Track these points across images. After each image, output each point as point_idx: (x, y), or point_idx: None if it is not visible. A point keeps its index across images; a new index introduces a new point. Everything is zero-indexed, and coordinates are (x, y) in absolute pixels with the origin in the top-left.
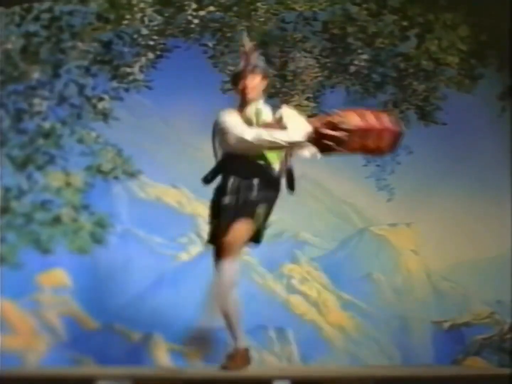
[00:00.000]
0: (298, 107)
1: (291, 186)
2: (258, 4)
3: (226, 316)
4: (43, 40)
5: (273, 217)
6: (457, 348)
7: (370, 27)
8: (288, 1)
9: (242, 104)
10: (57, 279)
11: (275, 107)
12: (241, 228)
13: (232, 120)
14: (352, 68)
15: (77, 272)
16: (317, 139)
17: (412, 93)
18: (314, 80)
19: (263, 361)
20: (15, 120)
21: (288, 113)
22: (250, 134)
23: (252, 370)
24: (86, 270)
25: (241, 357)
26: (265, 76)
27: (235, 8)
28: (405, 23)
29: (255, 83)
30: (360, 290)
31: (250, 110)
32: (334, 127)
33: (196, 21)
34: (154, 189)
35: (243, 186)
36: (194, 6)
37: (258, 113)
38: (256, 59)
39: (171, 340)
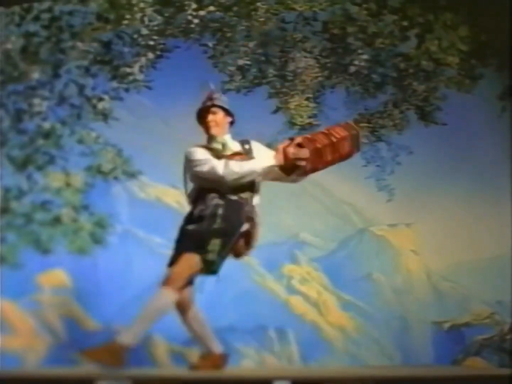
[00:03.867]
0: (298, 107)
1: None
2: (258, 4)
3: (191, 331)
4: (43, 40)
5: (273, 218)
6: (457, 348)
7: (370, 27)
8: (288, 1)
9: (208, 140)
10: (57, 279)
11: (243, 141)
12: (189, 261)
13: (201, 155)
14: (352, 68)
15: (77, 272)
16: (284, 162)
17: (412, 93)
18: (314, 80)
19: (263, 361)
20: (15, 120)
21: (256, 145)
22: (220, 167)
23: (252, 370)
24: (86, 270)
25: (213, 360)
26: (228, 114)
27: (235, 8)
28: (405, 23)
29: (217, 118)
30: (360, 290)
31: (216, 144)
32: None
33: (196, 21)
34: (154, 189)
35: (208, 215)
36: (194, 6)
37: (224, 146)
38: (219, 97)
39: (171, 340)
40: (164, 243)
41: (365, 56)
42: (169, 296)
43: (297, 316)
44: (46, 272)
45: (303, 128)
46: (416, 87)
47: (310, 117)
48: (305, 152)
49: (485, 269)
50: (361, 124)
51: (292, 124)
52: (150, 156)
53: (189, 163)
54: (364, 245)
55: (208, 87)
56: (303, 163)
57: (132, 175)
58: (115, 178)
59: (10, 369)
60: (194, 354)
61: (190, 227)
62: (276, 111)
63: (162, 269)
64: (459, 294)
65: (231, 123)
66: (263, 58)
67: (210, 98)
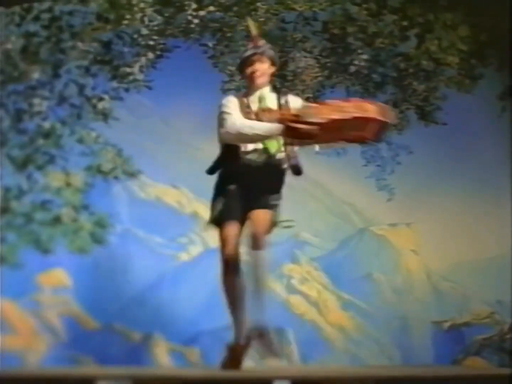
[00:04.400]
0: None
1: (296, 172)
2: (258, 4)
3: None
4: (43, 40)
5: None
6: (457, 348)
7: (370, 27)
8: (288, 1)
9: (248, 90)
10: (57, 279)
11: (280, 94)
12: (267, 218)
13: (230, 109)
14: (352, 68)
15: (77, 272)
16: (289, 132)
17: (412, 93)
18: (314, 80)
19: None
20: (15, 120)
21: (293, 100)
22: (235, 125)
23: (252, 370)
24: (86, 270)
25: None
26: (273, 63)
27: (235, 8)
28: (405, 23)
29: (263, 68)
30: (360, 290)
31: (254, 96)
32: (301, 121)
33: (196, 21)
34: (154, 189)
35: (252, 175)
36: (194, 6)
37: (261, 100)
38: (264, 44)
39: (171, 340)
40: (164, 243)
41: (365, 56)
42: (266, 255)
43: (297, 315)
44: (46, 272)
45: None
46: (416, 87)
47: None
48: (314, 130)
49: (485, 269)
50: None
51: None
52: (150, 156)
53: (219, 114)
54: (364, 245)
55: (251, 26)
56: (311, 141)
57: (132, 174)
58: (115, 177)
59: (10, 369)
60: (194, 354)
61: (235, 186)
62: None
63: (162, 269)
64: (459, 294)
65: (273, 74)
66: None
67: (256, 46)
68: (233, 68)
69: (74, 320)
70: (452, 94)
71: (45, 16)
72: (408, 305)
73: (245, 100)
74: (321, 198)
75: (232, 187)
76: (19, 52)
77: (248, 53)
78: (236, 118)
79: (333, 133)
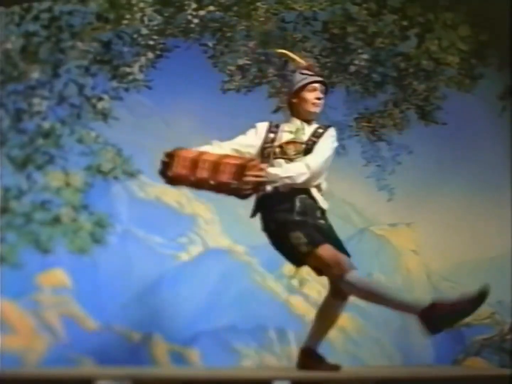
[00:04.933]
0: None
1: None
2: (258, 4)
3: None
4: (43, 40)
5: None
6: (457, 348)
7: (370, 27)
8: (288, 1)
9: (290, 117)
10: (57, 279)
11: (318, 130)
12: (334, 251)
13: (249, 132)
14: (352, 68)
15: (77, 272)
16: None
17: (412, 93)
18: None
19: (263, 361)
20: (14, 120)
21: (326, 136)
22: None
23: (252, 370)
24: (86, 270)
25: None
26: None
27: (235, 8)
28: (405, 23)
29: (322, 98)
30: None
31: (293, 126)
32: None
33: (196, 21)
34: (153, 189)
35: (309, 209)
36: (194, 6)
37: (297, 131)
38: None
39: (171, 340)
40: (164, 243)
41: (365, 56)
42: (357, 273)
43: (297, 316)
44: (46, 272)
45: None
46: (416, 86)
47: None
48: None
49: (485, 269)
50: (362, 124)
51: None
52: (150, 155)
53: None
54: (364, 245)
55: (307, 59)
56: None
57: (132, 174)
58: (115, 177)
59: (10, 369)
60: (194, 354)
61: (298, 217)
62: (276, 110)
63: (162, 269)
64: (459, 294)
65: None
66: (263, 58)
67: (314, 73)
68: (233, 68)
69: (74, 320)
70: (452, 94)
71: (45, 16)
72: None
73: (277, 128)
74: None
75: (298, 218)
76: (19, 52)
77: (315, 79)
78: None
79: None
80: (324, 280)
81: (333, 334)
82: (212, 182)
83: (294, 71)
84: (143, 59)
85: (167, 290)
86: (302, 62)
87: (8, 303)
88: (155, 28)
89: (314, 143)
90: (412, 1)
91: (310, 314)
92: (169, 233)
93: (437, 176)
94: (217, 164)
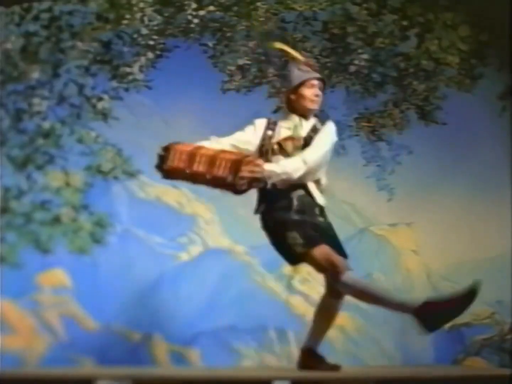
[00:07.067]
0: None
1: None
2: (258, 4)
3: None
4: (43, 40)
5: None
6: (457, 348)
7: (370, 27)
8: (288, 1)
9: (287, 113)
10: (57, 279)
11: (320, 119)
12: (329, 253)
13: (249, 127)
14: (352, 68)
15: (77, 272)
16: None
17: (412, 93)
18: None
19: (263, 361)
20: (14, 120)
21: (324, 131)
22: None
23: (252, 370)
24: (86, 270)
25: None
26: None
27: (235, 8)
28: (405, 23)
29: (321, 95)
30: None
31: (291, 122)
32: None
33: (196, 21)
34: (154, 189)
35: (307, 207)
36: (194, 6)
37: (295, 128)
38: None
39: (171, 340)
40: (164, 243)
41: (365, 56)
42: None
43: (297, 316)
44: (46, 272)
45: None
46: (416, 86)
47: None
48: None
49: (485, 269)
50: (362, 124)
51: None
52: (150, 155)
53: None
54: (364, 245)
55: (303, 54)
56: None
57: (132, 174)
58: (115, 177)
59: (10, 369)
60: (194, 354)
61: (296, 216)
62: (276, 110)
63: (162, 269)
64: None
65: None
66: (263, 58)
67: (313, 68)
68: (233, 68)
69: (74, 320)
70: (452, 93)
71: (45, 16)
72: None
73: (275, 125)
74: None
75: (295, 217)
76: (19, 52)
77: (313, 75)
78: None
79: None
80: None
81: (333, 334)
82: (207, 176)
83: (292, 67)
84: (143, 59)
85: (167, 290)
86: (300, 58)
87: (8, 303)
88: (155, 28)
89: (312, 138)
90: (412, 1)
91: (310, 314)
92: (169, 233)
93: (437, 176)
94: (213, 159)
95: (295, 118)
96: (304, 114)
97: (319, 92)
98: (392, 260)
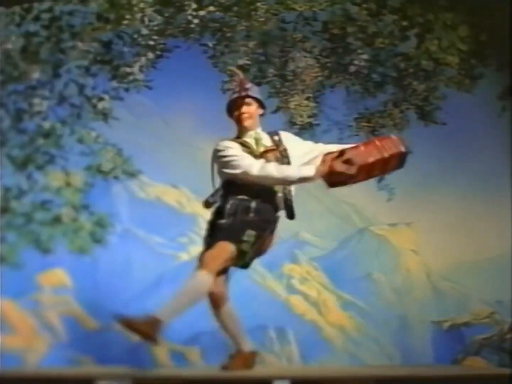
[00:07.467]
0: (298, 107)
1: (290, 215)
2: (258, 4)
3: (223, 327)
4: (43, 40)
5: None
6: (457, 348)
7: (370, 27)
8: (288, 1)
9: (239, 134)
10: (57, 279)
11: (271, 133)
12: (223, 248)
13: (235, 151)
14: (352, 68)
15: (77, 272)
16: (330, 176)
17: (412, 93)
18: (314, 80)
19: (263, 361)
20: (15, 120)
21: (286, 136)
22: (256, 168)
23: (252, 370)
24: (86, 270)
25: (244, 359)
26: (261, 105)
27: (235, 8)
28: (405, 23)
29: (250, 111)
30: (360, 290)
31: (248, 138)
32: (344, 162)
33: (196, 21)
34: (154, 189)
35: (241, 208)
36: (194, 6)
37: (257, 141)
38: (252, 86)
39: (171, 340)
40: (164, 243)
41: (365, 56)
42: (205, 278)
43: (297, 315)
44: (46, 272)
45: (303, 128)
46: (416, 86)
47: (310, 116)
48: (352, 169)
49: (485, 269)
50: (362, 124)
51: (292, 123)
52: (150, 155)
53: (220, 158)
54: (364, 245)
55: (238, 76)
56: (347, 179)
57: (132, 174)
58: (115, 177)
59: (10, 369)
60: (194, 354)
61: (224, 221)
62: (276, 110)
63: (162, 269)
64: (459, 294)
65: (261, 115)
66: (263, 58)
67: (243, 88)
68: (233, 68)
69: (74, 320)
70: (452, 94)
71: (45, 16)
72: (408, 305)
73: (240, 142)
74: (321, 198)
75: (223, 221)
76: (19, 52)
77: (233, 96)
78: (254, 161)
79: (365, 173)
80: (324, 279)
81: (333, 333)
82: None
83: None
84: (143, 59)
85: (167, 290)
86: (239, 77)
87: (8, 303)
88: (155, 28)
89: (285, 150)
90: (412, 1)
91: (310, 314)
92: (169, 233)
93: (437, 176)
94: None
95: (249, 134)
96: (249, 130)
97: (243, 110)
98: (392, 260)
